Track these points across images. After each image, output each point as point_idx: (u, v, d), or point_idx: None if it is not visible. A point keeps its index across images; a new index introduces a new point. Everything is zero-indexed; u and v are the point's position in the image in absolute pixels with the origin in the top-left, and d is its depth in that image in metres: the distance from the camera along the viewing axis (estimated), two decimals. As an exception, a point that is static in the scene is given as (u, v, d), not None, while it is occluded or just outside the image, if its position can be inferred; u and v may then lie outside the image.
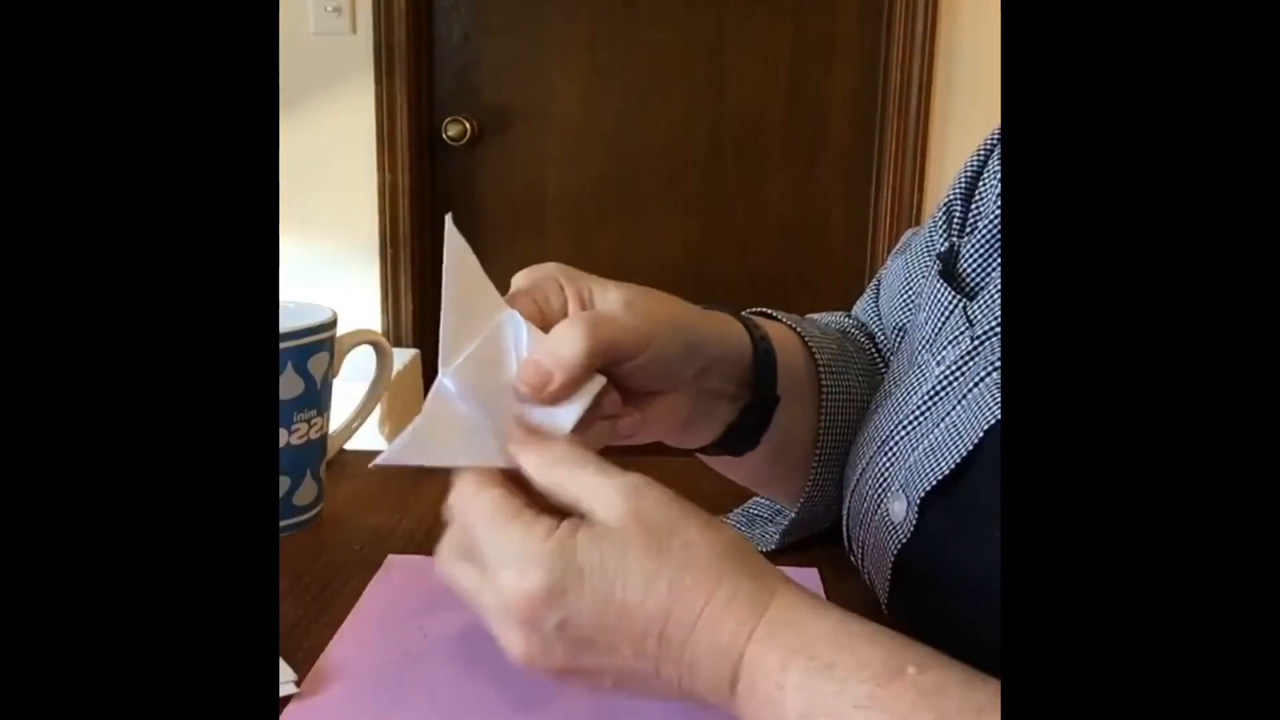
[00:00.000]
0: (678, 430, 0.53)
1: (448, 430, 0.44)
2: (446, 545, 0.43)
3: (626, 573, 0.39)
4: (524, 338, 0.45)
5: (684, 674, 0.39)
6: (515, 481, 0.43)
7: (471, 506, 0.42)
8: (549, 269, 0.49)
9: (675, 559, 0.39)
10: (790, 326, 0.60)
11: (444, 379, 0.44)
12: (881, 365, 0.64)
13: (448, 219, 0.45)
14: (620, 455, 0.44)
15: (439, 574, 0.43)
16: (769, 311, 0.62)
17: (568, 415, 0.45)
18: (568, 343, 0.44)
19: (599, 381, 0.45)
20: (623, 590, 0.39)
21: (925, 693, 0.36)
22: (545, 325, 0.46)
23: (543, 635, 0.40)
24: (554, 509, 0.41)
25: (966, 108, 2.00)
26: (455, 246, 0.45)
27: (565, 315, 0.47)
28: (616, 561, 0.39)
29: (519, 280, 0.49)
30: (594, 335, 0.44)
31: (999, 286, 0.52)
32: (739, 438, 0.56)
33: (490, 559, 0.40)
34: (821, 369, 0.58)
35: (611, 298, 0.48)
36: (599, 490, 0.41)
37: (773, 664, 0.38)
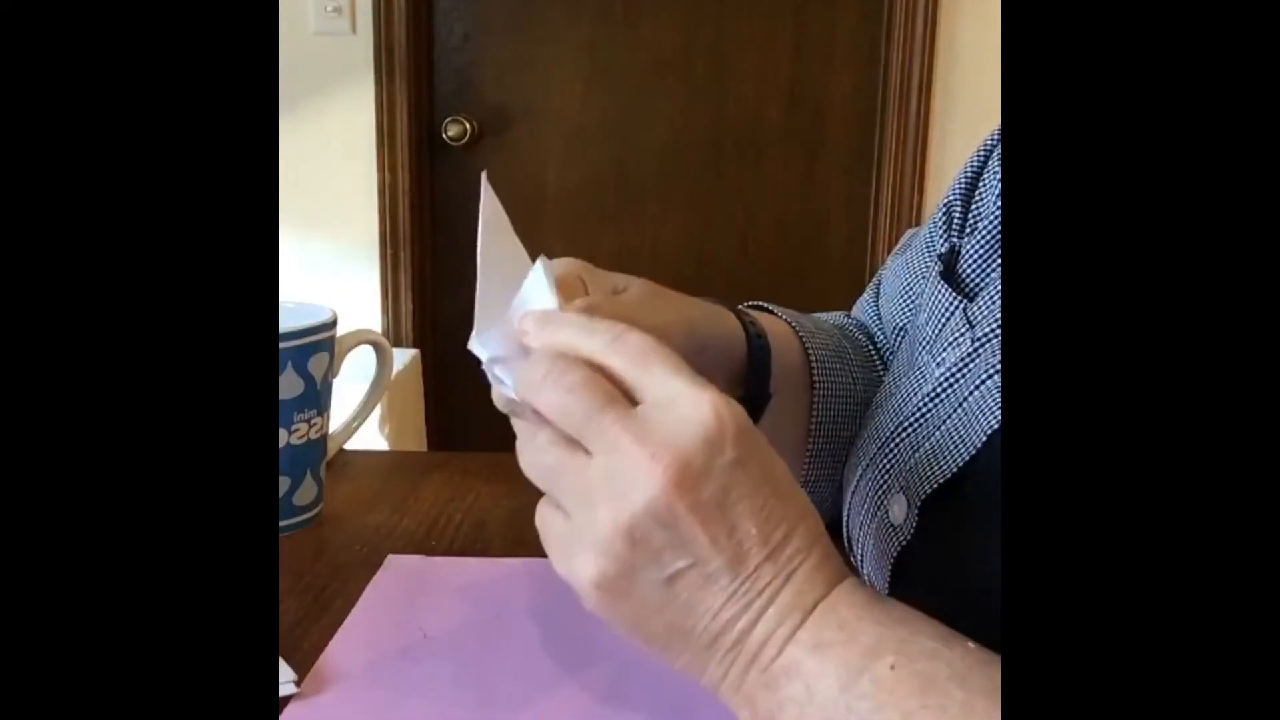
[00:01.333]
0: None
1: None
2: (539, 440, 0.39)
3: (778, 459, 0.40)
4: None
5: (771, 584, 0.38)
6: None
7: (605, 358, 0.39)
8: (571, 264, 0.50)
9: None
10: (786, 321, 0.60)
11: (474, 347, 0.44)
12: (880, 364, 0.64)
13: (483, 176, 0.45)
14: None
15: (526, 467, 0.40)
16: (766, 305, 0.62)
17: None
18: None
19: None
20: (780, 470, 0.39)
21: (982, 662, 0.37)
22: None
23: (709, 461, 0.37)
24: None
25: (966, 108, 2.00)
26: (490, 206, 0.44)
27: None
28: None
29: None
30: (588, 301, 0.45)
31: (999, 287, 0.52)
32: None
33: (658, 394, 0.38)
34: (815, 365, 0.58)
35: (632, 292, 0.50)
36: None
37: (860, 599, 0.39)
